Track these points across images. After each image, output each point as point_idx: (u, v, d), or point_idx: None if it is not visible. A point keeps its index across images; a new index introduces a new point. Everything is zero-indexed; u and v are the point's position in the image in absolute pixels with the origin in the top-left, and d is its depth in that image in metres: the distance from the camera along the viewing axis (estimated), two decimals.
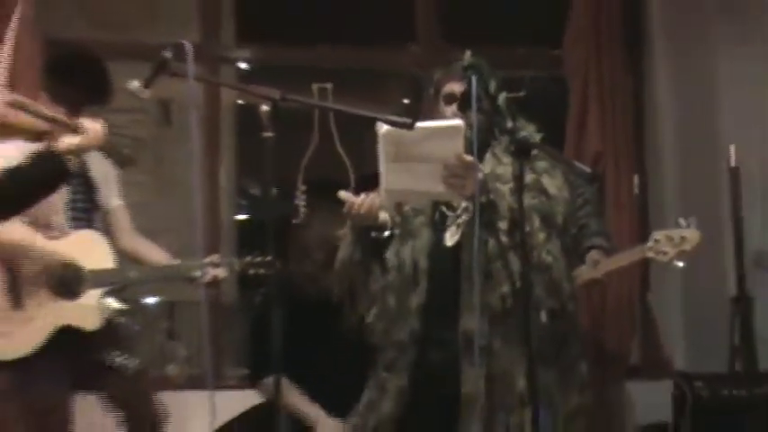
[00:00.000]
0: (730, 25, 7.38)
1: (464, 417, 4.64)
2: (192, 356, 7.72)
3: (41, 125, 5.07)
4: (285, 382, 5.55)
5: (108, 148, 5.64)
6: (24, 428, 5.86)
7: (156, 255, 6.14)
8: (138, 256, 6.12)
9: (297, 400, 5.98)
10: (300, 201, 6.65)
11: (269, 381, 5.45)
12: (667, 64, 8.03)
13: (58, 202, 5.71)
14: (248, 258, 6.01)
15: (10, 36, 5.44)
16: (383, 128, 4.50)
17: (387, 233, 5.02)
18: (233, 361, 7.75)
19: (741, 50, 7.31)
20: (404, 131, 4.42)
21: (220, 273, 6.00)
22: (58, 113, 5.48)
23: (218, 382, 6.97)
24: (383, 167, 4.63)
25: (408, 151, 4.57)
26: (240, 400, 6.25)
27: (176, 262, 6.12)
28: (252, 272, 6.00)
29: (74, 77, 5.74)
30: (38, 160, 5.01)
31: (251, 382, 6.24)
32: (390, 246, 5.05)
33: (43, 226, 5.70)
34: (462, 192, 4.64)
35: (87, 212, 5.94)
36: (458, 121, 4.61)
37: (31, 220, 5.60)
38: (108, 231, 6.02)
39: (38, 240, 5.65)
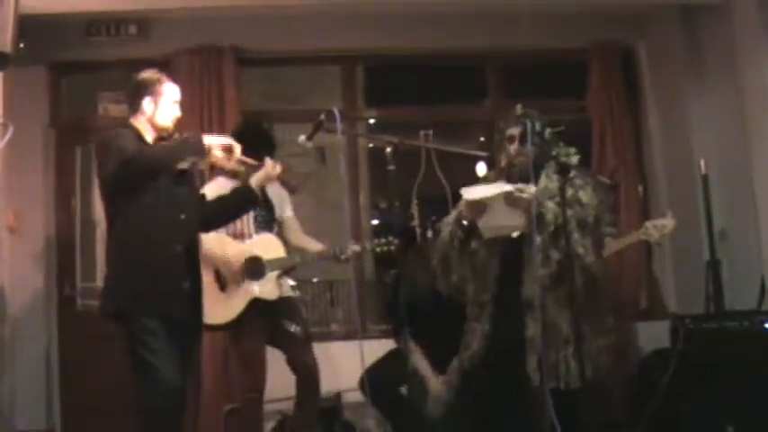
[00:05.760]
0: (694, 81, 7.31)
1: (528, 352, 4.71)
2: (346, 317, 7.79)
3: (239, 166, 5.22)
4: (411, 342, 5.60)
5: (282, 180, 5.80)
6: (237, 366, 6.17)
7: (315, 246, 6.21)
8: (304, 248, 6.21)
9: (417, 358, 5.91)
10: (414, 210, 6.69)
11: (405, 332, 5.26)
12: (655, 108, 7.93)
13: (248, 216, 5.92)
14: (376, 240, 6.06)
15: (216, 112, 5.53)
16: (464, 198, 4.76)
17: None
18: (374, 320, 7.65)
19: (702, 98, 7.27)
20: (479, 196, 4.70)
21: (355, 248, 6.03)
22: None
23: (364, 335, 6.88)
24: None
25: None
26: (380, 347, 6.27)
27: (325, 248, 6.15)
28: (378, 249, 6.03)
29: (254, 140, 5.72)
30: (238, 192, 5.28)
31: (393, 335, 6.16)
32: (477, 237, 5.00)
33: (237, 232, 5.94)
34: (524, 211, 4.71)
35: (267, 222, 6.10)
36: (507, 187, 4.68)
37: (228, 229, 5.85)
38: (282, 234, 6.17)
39: (229, 242, 5.89)
